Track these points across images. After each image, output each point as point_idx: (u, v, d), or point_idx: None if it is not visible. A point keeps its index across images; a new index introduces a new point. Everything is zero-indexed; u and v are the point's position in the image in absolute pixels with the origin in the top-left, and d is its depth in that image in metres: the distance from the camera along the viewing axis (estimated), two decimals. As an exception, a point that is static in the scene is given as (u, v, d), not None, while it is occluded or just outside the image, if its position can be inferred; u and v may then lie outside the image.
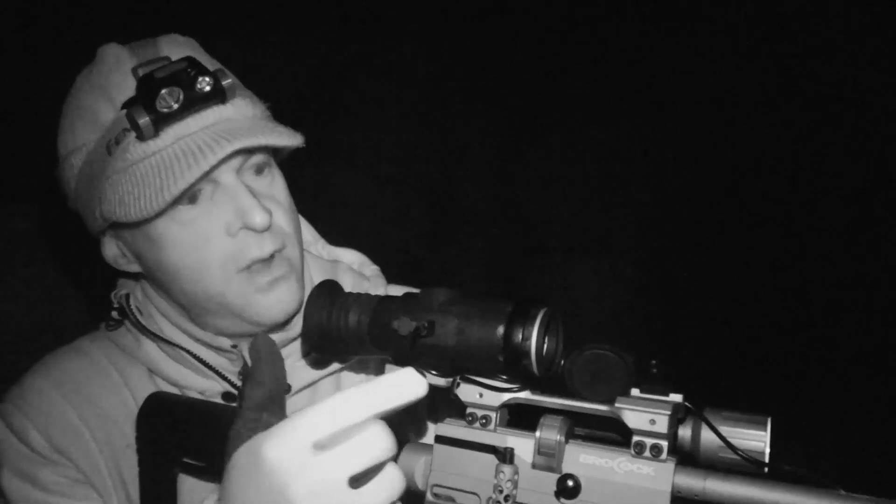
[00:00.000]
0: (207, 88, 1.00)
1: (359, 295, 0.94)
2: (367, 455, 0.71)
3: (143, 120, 0.97)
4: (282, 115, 1.16)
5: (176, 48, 1.07)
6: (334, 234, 1.34)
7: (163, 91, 0.97)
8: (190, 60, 1.01)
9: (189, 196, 1.02)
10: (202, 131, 1.00)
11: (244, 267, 1.05)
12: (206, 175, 1.00)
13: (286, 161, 1.20)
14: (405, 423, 1.22)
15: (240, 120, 1.04)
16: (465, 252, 3.07)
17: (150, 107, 0.97)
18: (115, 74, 1.04)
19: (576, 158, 3.15)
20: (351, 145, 2.71)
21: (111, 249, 1.13)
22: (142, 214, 0.98)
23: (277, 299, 1.07)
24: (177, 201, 1.01)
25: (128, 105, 0.99)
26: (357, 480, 0.71)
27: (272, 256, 1.07)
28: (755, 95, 3.09)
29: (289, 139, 1.05)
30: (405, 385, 0.72)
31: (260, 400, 0.81)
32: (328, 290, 0.95)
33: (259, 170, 1.09)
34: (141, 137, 0.98)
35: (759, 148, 3.16)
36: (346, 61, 2.78)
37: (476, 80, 3.07)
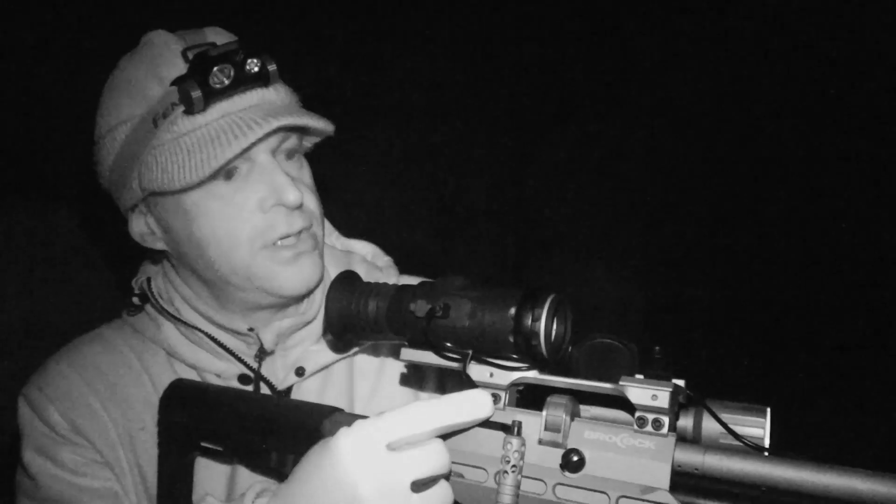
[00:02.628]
0: (256, 69, 1.08)
1: (377, 284, 0.99)
2: (433, 464, 0.79)
3: (196, 93, 1.04)
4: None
5: (221, 36, 1.16)
6: (345, 229, 1.40)
7: (215, 68, 1.05)
8: (240, 43, 1.09)
9: (226, 173, 1.09)
10: (247, 109, 1.08)
11: (272, 242, 1.11)
12: (247, 151, 1.07)
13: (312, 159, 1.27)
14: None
15: (280, 103, 1.13)
16: (473, 247, 3.12)
17: (203, 82, 1.05)
18: (165, 54, 1.11)
19: (582, 155, 3.19)
20: (361, 142, 2.77)
21: (139, 226, 1.18)
22: (184, 182, 1.05)
23: (301, 271, 1.13)
24: (214, 176, 1.07)
25: (178, 81, 1.07)
26: (417, 486, 0.79)
27: (299, 233, 1.13)
28: (757, 92, 3.13)
29: (325, 124, 1.14)
30: (476, 403, 0.83)
31: None
32: (348, 280, 1.01)
33: (290, 154, 1.17)
34: (190, 111, 1.06)
35: (761, 140, 3.19)
36: (355, 59, 2.86)
37: (484, 76, 3.14)
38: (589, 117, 3.19)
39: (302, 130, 1.17)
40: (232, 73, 1.06)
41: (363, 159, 2.85)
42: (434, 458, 0.79)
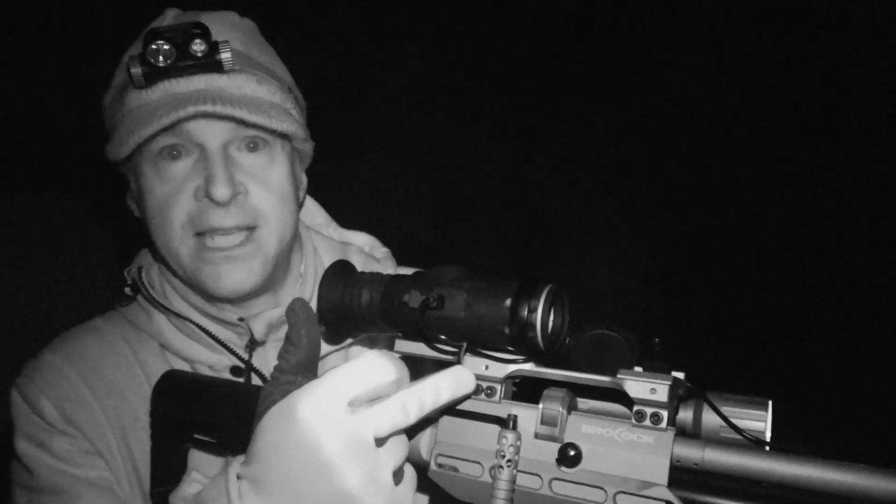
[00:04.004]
0: (199, 53, 1.06)
1: (371, 274, 0.97)
2: (394, 419, 0.75)
3: (136, 70, 1.05)
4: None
5: (217, 21, 1.13)
6: (343, 219, 1.38)
7: (152, 45, 1.04)
8: (197, 25, 1.07)
9: (171, 153, 1.08)
10: (188, 93, 1.06)
11: (201, 231, 1.09)
12: (176, 130, 1.06)
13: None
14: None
15: (233, 92, 1.09)
16: (472, 238, 3.11)
17: (143, 59, 1.05)
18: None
19: (581, 145, 3.18)
20: (361, 133, 2.76)
21: (129, 194, 1.22)
22: (115, 155, 1.08)
23: (225, 275, 1.10)
24: (160, 154, 1.08)
25: (130, 56, 1.08)
26: (379, 441, 0.76)
27: (247, 231, 1.11)
28: (761, 83, 3.11)
29: (266, 121, 1.08)
30: (451, 373, 0.81)
31: (296, 362, 0.84)
32: (341, 270, 0.99)
33: (253, 147, 1.12)
34: (134, 86, 1.07)
35: (765, 132, 3.16)
36: (356, 50, 2.84)
37: (485, 67, 3.12)
38: (589, 107, 3.16)
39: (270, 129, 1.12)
40: (174, 54, 1.05)
41: (363, 150, 2.83)
42: (394, 412, 0.76)
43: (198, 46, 1.06)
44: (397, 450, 0.78)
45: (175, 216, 1.09)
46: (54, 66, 2.12)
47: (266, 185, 1.13)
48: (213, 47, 1.07)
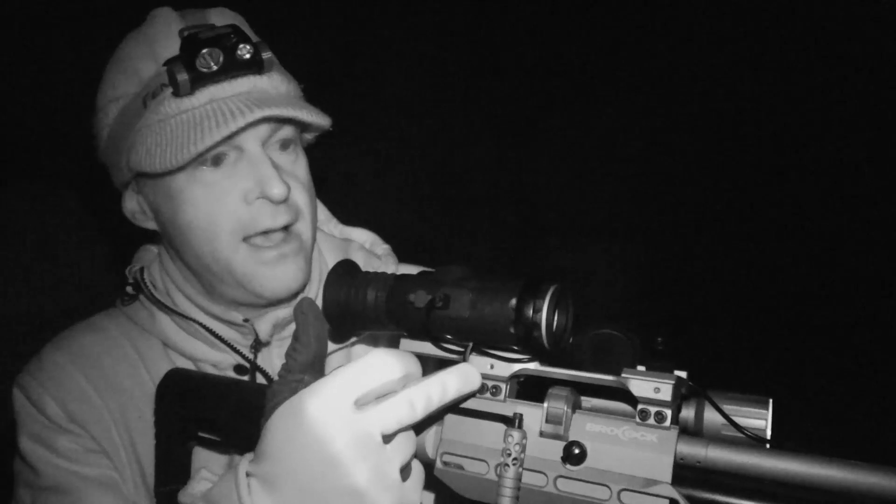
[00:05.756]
0: (247, 56, 1.06)
1: (376, 273, 0.98)
2: (401, 416, 0.76)
3: (182, 76, 1.03)
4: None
5: (223, 18, 1.13)
6: (342, 216, 1.38)
7: (203, 51, 1.03)
8: (234, 28, 1.07)
9: (213, 158, 1.07)
10: (236, 97, 1.06)
11: (253, 234, 1.09)
12: (231, 138, 1.04)
13: (312, 146, 1.25)
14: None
15: (272, 92, 1.10)
16: (473, 234, 3.11)
17: (190, 65, 1.03)
18: (162, 33, 1.10)
19: (581, 141, 3.18)
20: (360, 129, 2.76)
21: (131, 203, 1.18)
22: (165, 166, 1.03)
23: (283, 274, 1.11)
24: (201, 162, 1.06)
25: (170, 62, 1.05)
26: (387, 437, 0.77)
27: (284, 230, 1.10)
28: (760, 76, 3.12)
29: (316, 117, 1.10)
30: (457, 370, 0.82)
31: (304, 361, 0.85)
32: (347, 269, 1.00)
33: (284, 146, 1.14)
34: (177, 93, 1.04)
35: (766, 126, 3.17)
36: (355, 44, 2.84)
37: (483, 63, 3.12)
38: (591, 103, 3.17)
39: (298, 122, 1.14)
40: (221, 58, 1.04)
41: (362, 146, 2.82)
42: (401, 408, 0.76)
43: (244, 50, 1.06)
44: (405, 446, 0.79)
45: (226, 223, 1.07)
46: (48, 61, 2.12)
47: (299, 182, 1.14)
48: (256, 49, 1.07)
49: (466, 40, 3.08)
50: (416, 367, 0.83)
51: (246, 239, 1.09)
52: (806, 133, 3.10)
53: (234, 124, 1.01)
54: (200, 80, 1.04)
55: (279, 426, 0.77)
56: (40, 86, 2.12)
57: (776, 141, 3.17)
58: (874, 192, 3.04)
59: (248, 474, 0.79)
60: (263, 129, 1.09)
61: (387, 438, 0.77)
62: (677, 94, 3.15)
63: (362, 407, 0.76)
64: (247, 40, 1.06)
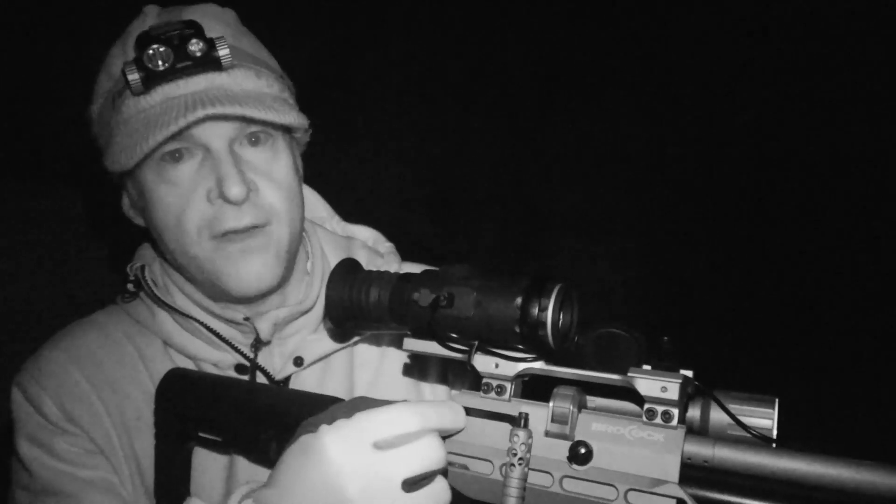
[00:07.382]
0: (198, 53, 1.03)
1: (379, 272, 0.97)
2: (423, 461, 0.77)
3: (133, 76, 1.01)
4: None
5: (203, 15, 1.10)
6: (343, 213, 1.37)
7: (149, 50, 1.01)
8: (189, 24, 1.04)
9: (171, 155, 1.05)
10: (189, 95, 1.03)
11: (218, 234, 1.06)
12: (181, 135, 1.02)
13: (310, 144, 1.24)
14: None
15: (235, 90, 1.06)
16: (476, 232, 3.10)
17: (141, 64, 1.01)
18: (136, 31, 1.08)
19: (584, 140, 3.16)
20: (360, 126, 2.74)
21: (125, 201, 1.18)
22: (120, 167, 1.04)
23: (246, 271, 1.07)
24: (161, 159, 1.04)
25: (126, 62, 1.04)
26: (409, 485, 0.77)
27: (252, 230, 1.08)
28: (764, 74, 3.10)
29: (276, 116, 1.05)
30: (456, 414, 0.85)
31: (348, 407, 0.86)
32: (349, 268, 0.99)
33: (255, 141, 1.10)
34: (132, 93, 1.03)
35: (770, 124, 3.16)
36: (355, 43, 2.81)
37: (485, 62, 3.10)
38: (595, 101, 3.16)
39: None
40: (172, 56, 1.02)
41: (364, 144, 2.81)
42: (425, 454, 0.77)
43: (195, 46, 1.03)
44: (432, 495, 0.78)
45: (189, 221, 1.06)
46: (43, 58, 2.10)
47: (272, 181, 1.10)
48: (211, 45, 1.04)
49: (469, 38, 3.07)
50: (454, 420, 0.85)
51: (213, 239, 1.07)
52: (814, 132, 3.09)
53: (175, 125, 0.99)
54: (153, 79, 1.02)
55: (296, 457, 0.79)
56: (40, 85, 2.11)
57: (783, 140, 3.16)
58: (882, 191, 3.03)
59: (243, 496, 0.79)
60: (227, 127, 1.06)
61: (410, 485, 0.77)
62: (684, 90, 3.13)
63: (382, 449, 0.77)
64: (198, 37, 1.03)
